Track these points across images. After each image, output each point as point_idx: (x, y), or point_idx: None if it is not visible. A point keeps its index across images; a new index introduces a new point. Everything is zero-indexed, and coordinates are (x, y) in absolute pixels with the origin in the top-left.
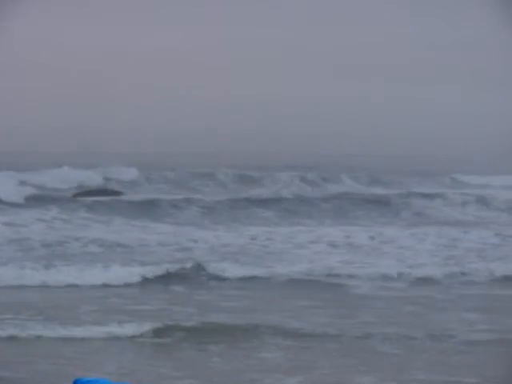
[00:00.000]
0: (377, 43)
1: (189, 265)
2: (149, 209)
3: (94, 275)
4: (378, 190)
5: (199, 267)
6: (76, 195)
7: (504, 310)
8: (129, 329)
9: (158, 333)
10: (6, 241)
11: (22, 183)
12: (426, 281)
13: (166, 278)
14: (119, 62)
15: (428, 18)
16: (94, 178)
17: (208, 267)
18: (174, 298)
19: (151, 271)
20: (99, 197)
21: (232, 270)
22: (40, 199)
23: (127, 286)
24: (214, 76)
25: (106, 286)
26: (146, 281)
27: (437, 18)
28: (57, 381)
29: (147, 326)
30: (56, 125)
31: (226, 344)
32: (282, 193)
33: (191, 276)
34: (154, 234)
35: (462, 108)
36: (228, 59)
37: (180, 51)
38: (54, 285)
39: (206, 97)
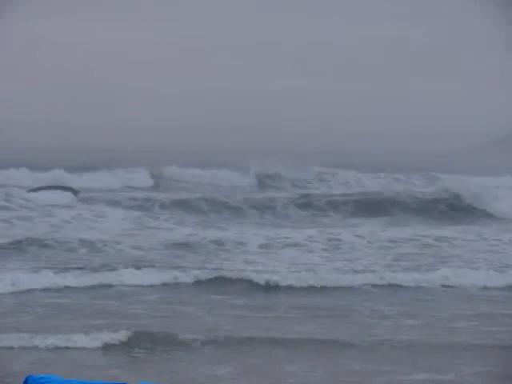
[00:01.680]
0: (377, 42)
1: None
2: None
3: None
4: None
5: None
6: (29, 191)
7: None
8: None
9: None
10: None
11: None
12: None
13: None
14: (112, 60)
15: (426, 17)
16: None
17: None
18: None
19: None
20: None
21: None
22: None
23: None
24: (211, 73)
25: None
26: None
27: (435, 16)
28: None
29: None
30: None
31: (150, 343)
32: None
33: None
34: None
35: (462, 107)
36: (225, 57)
37: (176, 49)
38: None
39: (202, 94)
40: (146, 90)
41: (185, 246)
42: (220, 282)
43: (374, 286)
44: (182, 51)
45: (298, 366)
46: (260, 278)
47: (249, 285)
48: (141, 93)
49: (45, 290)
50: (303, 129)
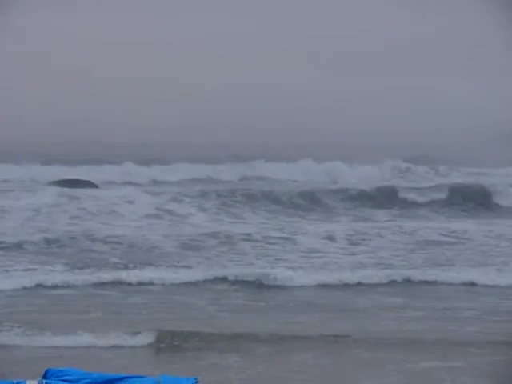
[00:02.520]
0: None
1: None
2: None
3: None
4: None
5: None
6: (50, 183)
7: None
8: None
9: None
10: None
11: None
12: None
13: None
14: (114, 53)
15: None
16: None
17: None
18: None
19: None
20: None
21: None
22: None
23: None
24: (209, 66)
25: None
26: None
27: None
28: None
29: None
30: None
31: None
32: None
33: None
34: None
35: (460, 99)
36: (226, 50)
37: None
38: None
39: (203, 87)
40: (156, 84)
41: (208, 236)
42: (231, 278)
43: (391, 281)
44: (190, 46)
45: (306, 356)
46: (269, 276)
47: (259, 281)
48: (152, 87)
49: (57, 287)
50: (314, 123)
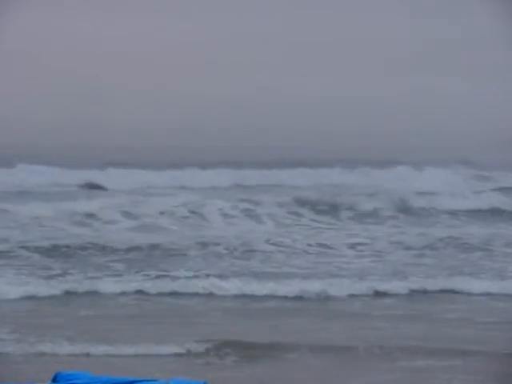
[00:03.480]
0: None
1: None
2: None
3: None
4: None
5: None
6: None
7: None
8: None
9: None
10: None
11: None
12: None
13: None
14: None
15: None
16: None
17: None
18: None
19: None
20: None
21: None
22: None
23: None
24: (210, 70)
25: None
26: None
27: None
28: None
29: None
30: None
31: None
32: None
33: None
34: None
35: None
36: (230, 54)
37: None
38: None
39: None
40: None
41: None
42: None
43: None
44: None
45: (301, 355)
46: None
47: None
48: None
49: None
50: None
